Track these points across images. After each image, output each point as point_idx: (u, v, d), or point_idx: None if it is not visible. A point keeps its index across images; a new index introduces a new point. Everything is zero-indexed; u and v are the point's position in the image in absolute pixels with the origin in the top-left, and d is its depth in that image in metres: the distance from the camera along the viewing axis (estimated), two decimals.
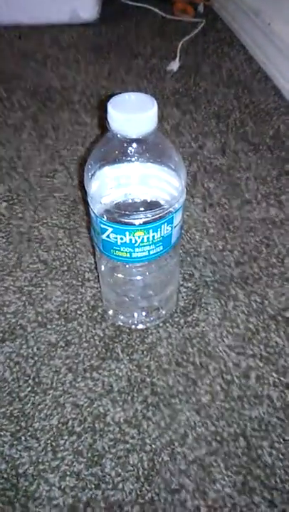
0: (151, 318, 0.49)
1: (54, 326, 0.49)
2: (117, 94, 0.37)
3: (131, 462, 0.39)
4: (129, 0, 1.12)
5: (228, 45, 0.99)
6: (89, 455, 0.40)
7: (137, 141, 0.36)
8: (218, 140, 0.73)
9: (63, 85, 0.85)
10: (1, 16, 1.02)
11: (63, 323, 0.49)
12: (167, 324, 0.49)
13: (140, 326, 0.49)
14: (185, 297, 0.52)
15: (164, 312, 0.50)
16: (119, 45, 0.98)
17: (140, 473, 0.39)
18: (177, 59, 0.92)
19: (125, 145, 0.37)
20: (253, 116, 0.78)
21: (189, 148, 0.72)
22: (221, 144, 0.73)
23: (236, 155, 0.71)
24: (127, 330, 0.49)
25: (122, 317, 0.49)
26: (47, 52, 0.95)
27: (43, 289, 0.52)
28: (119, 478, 0.39)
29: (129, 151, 0.37)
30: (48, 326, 0.49)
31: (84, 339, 0.48)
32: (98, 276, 0.52)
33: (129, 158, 0.38)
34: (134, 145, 0.37)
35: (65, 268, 0.54)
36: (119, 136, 0.36)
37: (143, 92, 0.37)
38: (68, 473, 0.39)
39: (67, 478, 0.38)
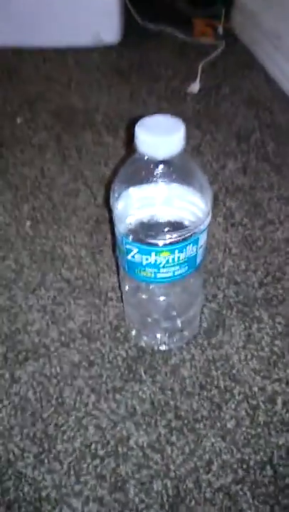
0: (175, 340, 0.49)
1: (77, 345, 0.49)
2: (137, 118, 0.37)
3: (155, 489, 0.39)
4: (150, 24, 1.15)
5: (248, 66, 1.00)
6: (112, 480, 0.39)
7: (164, 162, 0.37)
8: (239, 160, 0.73)
9: (86, 107, 0.87)
10: (26, 40, 1.05)
11: (86, 342, 0.49)
12: (190, 346, 0.49)
13: (163, 347, 0.49)
14: (208, 318, 0.51)
15: (187, 334, 0.49)
16: (141, 68, 1.00)
17: (164, 500, 0.38)
18: (198, 81, 0.93)
19: (152, 166, 0.37)
20: (274, 137, 0.78)
21: (210, 169, 0.72)
22: (242, 164, 0.73)
23: (258, 175, 0.71)
24: (150, 351, 0.48)
25: (145, 338, 0.49)
26: (70, 74, 0.98)
27: (66, 308, 0.52)
28: (143, 505, 0.38)
29: (155, 173, 0.37)
30: (71, 346, 0.49)
31: (107, 359, 0.47)
32: (121, 295, 0.52)
33: (155, 179, 0.38)
34: (161, 166, 0.37)
35: (88, 287, 0.55)
36: (146, 157, 0.36)
37: (165, 114, 0.38)
38: (91, 498, 0.38)
39: (90, 503, 0.38)
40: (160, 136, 0.36)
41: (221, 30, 1.14)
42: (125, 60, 1.03)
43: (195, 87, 0.92)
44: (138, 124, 0.36)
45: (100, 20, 1.04)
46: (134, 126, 0.36)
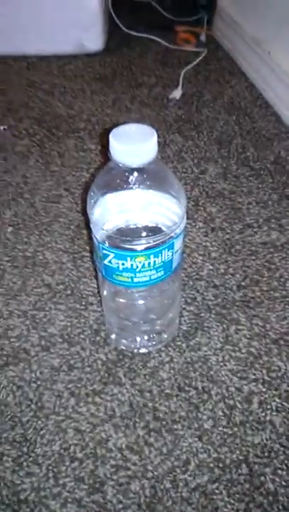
0: (154, 343, 0.50)
1: (57, 350, 0.49)
2: (119, 124, 0.38)
3: (133, 489, 0.39)
4: (133, 31, 1.16)
5: (230, 73, 1.02)
6: (90, 481, 0.40)
7: (138, 170, 0.38)
8: (219, 165, 0.75)
9: (69, 113, 0.88)
10: (10, 46, 1.06)
11: (66, 347, 0.50)
12: (169, 348, 0.50)
13: (142, 350, 0.49)
14: (187, 321, 0.52)
15: (166, 336, 0.50)
16: (124, 75, 1.01)
17: (142, 500, 0.39)
18: (180, 87, 0.95)
19: (126, 174, 0.38)
20: (254, 142, 0.80)
21: (191, 174, 0.73)
22: (223, 169, 0.74)
23: (238, 180, 0.72)
24: (130, 354, 0.49)
25: (124, 341, 0.50)
26: (54, 81, 0.99)
27: (47, 313, 0.53)
28: (120, 506, 0.38)
29: (130, 180, 0.38)
30: (52, 350, 0.49)
31: (87, 363, 0.48)
32: (101, 300, 0.53)
33: (130, 186, 0.39)
34: (135, 174, 0.38)
35: (69, 292, 0.55)
36: (120, 165, 0.37)
37: (146, 120, 0.39)
38: (70, 500, 0.39)
39: (69, 505, 0.38)
40: (133, 144, 0.36)
41: (203, 37, 1.17)
42: (108, 67, 1.04)
43: (177, 93, 0.93)
44: (111, 133, 0.37)
45: (83, 28, 1.05)
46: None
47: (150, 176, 0.39)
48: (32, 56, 1.07)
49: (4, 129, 0.83)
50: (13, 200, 0.68)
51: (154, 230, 0.41)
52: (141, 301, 0.48)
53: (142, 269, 0.41)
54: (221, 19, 1.14)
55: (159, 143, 0.37)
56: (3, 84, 0.98)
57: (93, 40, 1.08)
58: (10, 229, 0.63)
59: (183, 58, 1.07)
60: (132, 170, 0.38)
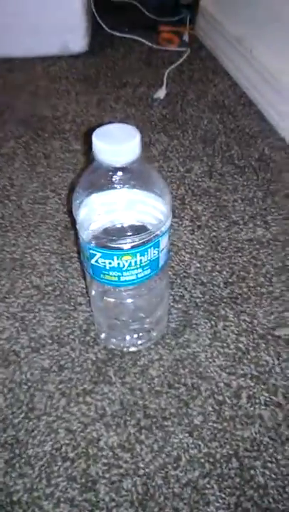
0: (143, 341, 0.50)
1: (47, 351, 0.49)
2: (102, 125, 0.38)
3: (125, 487, 0.40)
4: (116, 31, 1.16)
5: (213, 72, 1.02)
6: (83, 481, 0.40)
7: (122, 169, 0.38)
8: (205, 164, 0.75)
9: (54, 115, 0.88)
10: None
11: (56, 348, 0.50)
12: (159, 346, 0.50)
13: (132, 349, 0.50)
14: (176, 318, 0.53)
15: (155, 334, 0.51)
16: (108, 75, 1.02)
17: (134, 497, 0.39)
18: (164, 87, 0.95)
19: (111, 173, 0.38)
20: (238, 140, 0.80)
21: (177, 172, 0.73)
22: (208, 168, 0.75)
23: (223, 178, 0.73)
24: (119, 353, 0.49)
25: (114, 340, 0.50)
26: (38, 83, 0.98)
27: (36, 314, 0.53)
28: (113, 504, 0.39)
29: (114, 179, 0.39)
30: (41, 351, 0.49)
31: (77, 363, 0.48)
32: (90, 300, 0.53)
33: (115, 186, 0.39)
34: (120, 173, 0.38)
35: (58, 293, 0.55)
36: (104, 165, 0.38)
37: (131, 119, 0.39)
38: (62, 499, 0.39)
39: (62, 504, 0.38)
40: (116, 144, 0.37)
41: (186, 36, 1.17)
42: (92, 68, 1.04)
43: (161, 93, 0.94)
44: (94, 133, 0.37)
45: (67, 29, 1.05)
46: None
47: (134, 175, 0.39)
48: (16, 58, 1.06)
49: None
50: (0, 202, 0.68)
51: (139, 229, 0.41)
52: (129, 300, 0.49)
53: (129, 268, 0.41)
54: (203, 18, 1.15)
55: (144, 142, 0.37)
56: None
57: (77, 41, 1.07)
58: None
59: (166, 58, 1.07)
60: (115, 169, 0.38)
